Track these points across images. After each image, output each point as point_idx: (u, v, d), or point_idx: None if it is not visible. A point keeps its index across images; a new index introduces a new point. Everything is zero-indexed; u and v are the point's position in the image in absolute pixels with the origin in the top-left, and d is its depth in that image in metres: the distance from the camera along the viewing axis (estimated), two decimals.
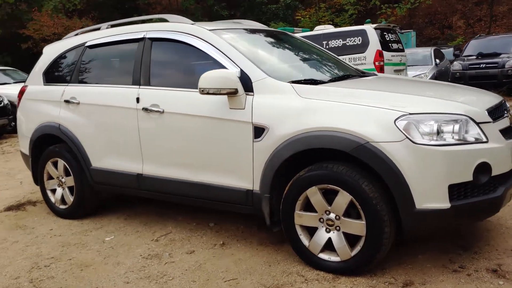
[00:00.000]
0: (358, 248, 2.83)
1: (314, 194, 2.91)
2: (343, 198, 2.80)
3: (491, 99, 3.13)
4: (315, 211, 2.95)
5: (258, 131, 3.08)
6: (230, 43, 3.40)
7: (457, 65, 12.20)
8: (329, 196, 2.89)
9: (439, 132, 2.64)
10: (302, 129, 2.88)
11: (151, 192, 3.80)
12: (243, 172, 3.20)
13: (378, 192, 2.71)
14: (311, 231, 3.02)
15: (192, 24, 3.66)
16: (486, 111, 2.81)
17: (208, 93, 3.11)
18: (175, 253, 3.48)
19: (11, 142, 9.69)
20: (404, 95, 3.00)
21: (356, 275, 2.89)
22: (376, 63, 9.54)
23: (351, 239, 2.87)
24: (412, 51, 14.36)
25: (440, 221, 2.67)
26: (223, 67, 3.29)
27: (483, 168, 2.66)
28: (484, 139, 2.71)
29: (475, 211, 2.73)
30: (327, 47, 10.16)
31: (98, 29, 4.39)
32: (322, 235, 2.95)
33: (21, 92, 4.76)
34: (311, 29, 12.78)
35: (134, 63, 3.80)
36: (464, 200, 2.65)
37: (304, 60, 3.99)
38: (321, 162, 2.91)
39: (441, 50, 15.60)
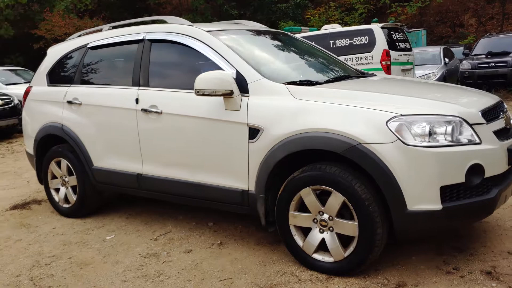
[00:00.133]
0: (351, 248, 2.85)
1: (307, 194, 2.93)
2: (336, 199, 2.82)
3: (487, 100, 3.12)
4: (309, 212, 2.97)
5: (253, 132, 3.11)
6: (227, 44, 3.43)
7: (466, 64, 12.10)
8: (322, 197, 2.91)
9: (431, 134, 2.64)
10: (296, 130, 2.90)
11: (151, 192, 3.85)
12: (238, 173, 3.23)
13: (370, 193, 2.72)
14: (305, 231, 3.04)
15: (190, 25, 3.70)
16: (479, 113, 2.81)
17: (203, 94, 3.14)
18: (173, 252, 3.53)
19: (20, 142, 9.84)
20: (398, 96, 3.01)
21: (349, 276, 2.91)
22: (383, 63, 9.50)
23: (345, 240, 2.89)
24: (421, 50, 14.28)
25: (432, 223, 2.67)
26: (219, 68, 3.32)
27: (475, 170, 2.66)
28: (477, 141, 2.70)
29: (468, 213, 2.73)
30: (334, 46, 10.14)
31: (101, 30, 4.46)
32: (315, 236, 2.97)
33: (26, 93, 4.84)
34: (319, 28, 12.75)
35: (134, 64, 3.85)
36: (456, 202, 2.65)
37: (302, 61, 4.00)
38: (315, 163, 2.93)
39: (452, 49, 15.48)
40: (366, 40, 9.79)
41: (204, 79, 3.12)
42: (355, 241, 2.81)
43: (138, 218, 4.35)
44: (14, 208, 4.93)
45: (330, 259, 2.94)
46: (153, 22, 4.06)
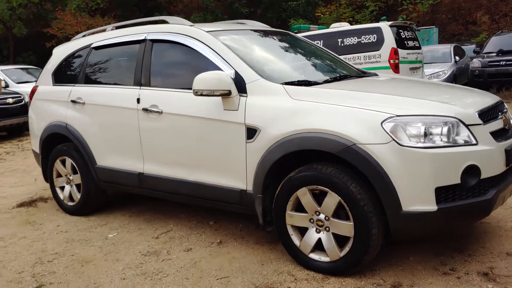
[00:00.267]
0: (347, 249, 2.85)
1: (304, 195, 2.94)
2: (332, 199, 2.83)
3: (486, 100, 3.10)
4: (306, 212, 2.99)
5: (251, 132, 3.13)
6: (226, 45, 3.45)
7: (476, 62, 11.97)
8: (319, 197, 2.92)
9: (426, 134, 2.64)
10: (292, 131, 2.92)
11: (152, 191, 3.90)
12: (237, 173, 3.25)
13: (366, 193, 2.73)
14: (302, 231, 3.06)
15: (191, 25, 3.73)
16: (476, 113, 2.79)
17: (202, 95, 3.17)
18: (173, 250, 3.57)
19: (30, 140, 9.95)
20: (395, 96, 3.01)
21: (345, 276, 2.92)
22: (391, 61, 9.45)
23: (341, 240, 2.90)
24: (431, 48, 14.16)
25: (427, 224, 2.67)
26: (218, 68, 3.35)
27: (471, 171, 2.65)
28: (474, 142, 2.69)
29: (464, 214, 2.72)
30: (342, 44, 10.11)
31: (104, 30, 4.51)
32: (312, 236, 2.99)
33: (32, 92, 4.92)
34: (329, 27, 12.70)
35: (136, 64, 3.90)
36: (452, 203, 2.65)
37: (302, 60, 4.01)
38: (311, 164, 2.94)
39: (463, 46, 15.33)
40: (374, 39, 9.75)
41: (202, 80, 3.15)
42: (351, 241, 2.82)
43: (141, 216, 4.40)
44: (20, 206, 5.02)
45: (326, 259, 2.95)
46: (155, 22, 4.08)
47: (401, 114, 2.68)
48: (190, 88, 3.34)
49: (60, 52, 4.76)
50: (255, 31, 4.15)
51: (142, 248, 3.66)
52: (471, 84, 12.48)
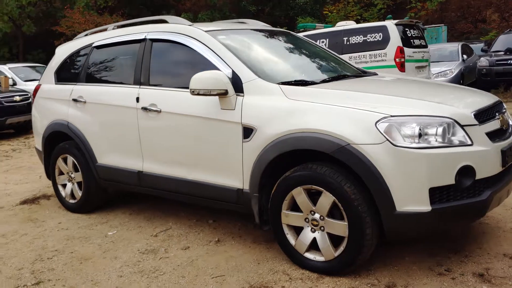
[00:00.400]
0: (341, 248, 2.86)
1: (299, 194, 2.95)
2: (327, 199, 2.83)
3: (483, 100, 3.08)
4: (301, 211, 2.99)
5: (247, 132, 3.14)
6: (224, 44, 3.47)
7: (483, 61, 11.87)
8: (314, 197, 2.92)
9: (421, 135, 2.63)
10: (287, 130, 2.92)
11: (151, 189, 3.92)
12: (233, 172, 3.26)
13: (360, 193, 2.72)
14: (297, 230, 3.06)
15: (190, 25, 3.74)
16: (472, 114, 2.78)
17: (198, 94, 3.18)
18: (171, 248, 3.59)
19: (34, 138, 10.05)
20: (391, 97, 3.00)
21: (340, 276, 2.92)
22: (397, 60, 9.39)
23: (336, 240, 2.90)
24: (439, 47, 14.06)
25: (421, 224, 2.67)
26: (216, 68, 3.36)
27: (466, 172, 2.64)
28: (469, 142, 2.68)
29: (458, 215, 2.71)
30: (348, 43, 10.07)
31: (106, 29, 4.54)
32: (307, 235, 2.99)
33: (35, 90, 4.97)
34: (335, 25, 12.66)
35: (136, 63, 3.92)
36: (446, 204, 2.64)
37: (301, 60, 4.01)
38: (306, 163, 2.94)
39: (472, 45, 15.20)
40: (380, 37, 9.69)
41: (199, 79, 3.16)
42: (345, 241, 2.82)
43: (141, 214, 4.43)
44: (24, 203, 5.07)
45: (321, 258, 2.96)
46: (156, 22, 4.10)
47: (395, 114, 2.67)
48: (188, 87, 3.36)
49: (62, 51, 4.80)
50: (255, 30, 4.15)
51: (140, 246, 3.69)
52: (478, 83, 12.40)
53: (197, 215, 4.26)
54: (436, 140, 2.64)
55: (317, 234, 2.95)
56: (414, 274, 2.90)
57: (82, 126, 4.31)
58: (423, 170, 2.58)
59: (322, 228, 2.93)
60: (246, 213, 3.34)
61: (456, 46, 13.35)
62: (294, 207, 3.04)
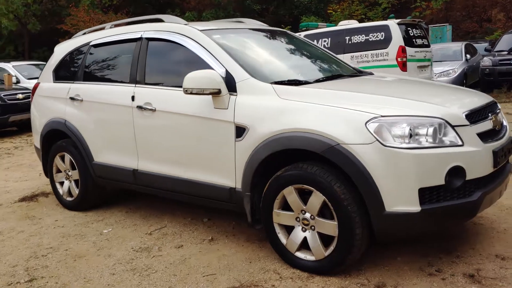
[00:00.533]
0: (331, 248, 2.86)
1: (290, 193, 2.95)
2: (317, 199, 2.83)
3: (475, 100, 3.07)
4: (292, 211, 3.00)
5: (240, 131, 3.14)
6: (219, 43, 3.47)
7: (487, 61, 11.82)
8: (305, 196, 2.93)
9: (411, 135, 2.63)
10: (278, 130, 2.93)
11: (146, 187, 3.94)
12: (226, 171, 3.27)
13: (349, 193, 2.72)
14: (288, 229, 3.07)
15: (185, 24, 3.75)
16: (463, 114, 2.77)
17: (191, 93, 3.19)
18: (165, 247, 3.60)
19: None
20: (383, 97, 2.99)
21: (330, 275, 2.92)
22: (399, 59, 9.38)
23: (326, 239, 2.90)
24: (443, 46, 14.01)
25: (410, 225, 2.67)
26: (210, 67, 3.37)
27: (456, 172, 2.63)
28: (459, 143, 2.67)
29: (448, 216, 2.70)
30: (350, 42, 10.06)
31: (103, 28, 4.56)
32: (298, 234, 3.00)
33: (34, 89, 5.00)
34: (337, 24, 12.64)
35: (132, 62, 3.94)
36: (436, 204, 2.63)
37: (297, 59, 4.01)
38: (297, 163, 2.95)
39: (476, 45, 15.14)
40: (382, 37, 9.68)
41: (192, 78, 3.17)
42: (335, 240, 2.82)
43: (137, 212, 4.45)
44: (22, 200, 5.11)
45: (312, 258, 2.96)
46: (152, 21, 4.12)
47: (385, 115, 2.67)
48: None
49: (61, 50, 4.83)
50: (252, 30, 4.16)
51: (134, 244, 3.71)
52: (481, 83, 12.34)
53: (192, 213, 4.27)
54: (426, 141, 2.64)
55: (308, 234, 2.96)
56: (405, 274, 2.90)
57: (79, 124, 4.33)
58: (413, 171, 2.58)
59: (312, 227, 2.93)
60: (239, 212, 3.35)
61: (459, 46, 13.30)
62: (286, 206, 3.04)
